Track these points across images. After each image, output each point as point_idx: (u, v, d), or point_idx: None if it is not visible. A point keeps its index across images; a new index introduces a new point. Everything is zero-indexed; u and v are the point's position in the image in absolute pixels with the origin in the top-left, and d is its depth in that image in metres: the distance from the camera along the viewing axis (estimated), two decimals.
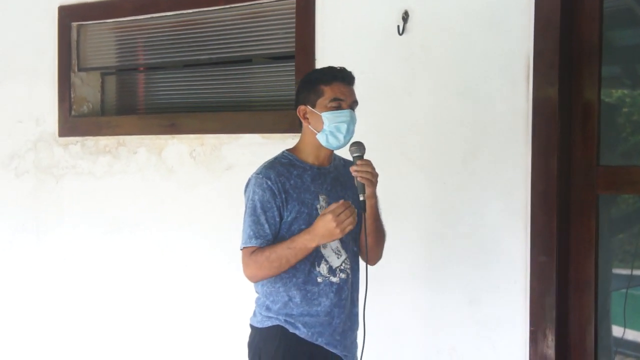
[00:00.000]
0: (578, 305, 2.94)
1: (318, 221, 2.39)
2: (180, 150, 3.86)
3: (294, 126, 3.39)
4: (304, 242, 2.40)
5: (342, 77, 2.52)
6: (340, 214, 2.34)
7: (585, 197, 2.93)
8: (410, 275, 3.18)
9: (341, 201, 2.38)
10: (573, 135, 2.95)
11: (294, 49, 3.51)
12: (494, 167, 3.01)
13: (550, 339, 2.89)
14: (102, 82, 4.34)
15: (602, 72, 2.92)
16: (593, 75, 2.91)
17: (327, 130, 2.48)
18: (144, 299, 3.98)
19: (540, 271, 2.90)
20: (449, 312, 3.11)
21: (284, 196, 2.47)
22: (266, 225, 2.46)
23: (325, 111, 2.48)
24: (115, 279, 4.07)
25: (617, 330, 3.15)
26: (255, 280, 2.54)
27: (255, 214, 2.48)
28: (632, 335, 3.14)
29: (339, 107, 2.48)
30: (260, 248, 2.46)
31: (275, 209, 2.47)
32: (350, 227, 2.37)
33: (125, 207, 4.04)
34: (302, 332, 2.50)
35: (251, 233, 2.47)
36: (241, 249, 2.51)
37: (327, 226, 2.35)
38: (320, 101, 2.50)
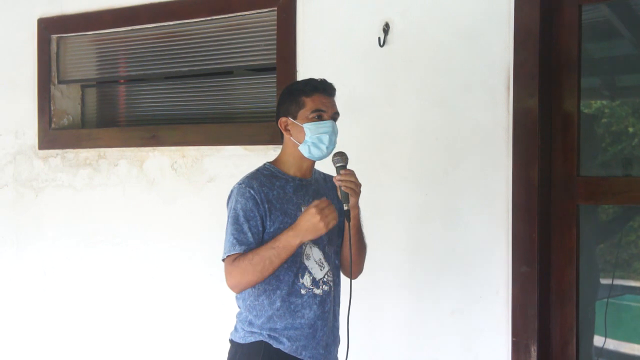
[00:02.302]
0: (560, 315, 2.96)
1: (302, 216, 2.37)
2: (161, 162, 3.85)
3: (276, 138, 3.40)
4: (288, 239, 2.37)
5: (323, 89, 2.51)
6: (324, 208, 2.34)
7: (565, 207, 2.95)
8: (392, 286, 3.18)
9: (323, 197, 2.39)
10: (553, 146, 2.97)
11: (275, 61, 3.52)
12: (475, 178, 3.02)
13: (532, 349, 2.89)
14: (83, 95, 4.32)
15: (582, 84, 2.95)
16: (572, 86, 2.94)
17: (309, 141, 2.47)
18: (125, 311, 3.95)
19: (522, 281, 2.91)
20: (431, 323, 3.11)
21: (266, 206, 2.45)
22: (249, 234, 2.43)
23: (307, 122, 2.47)
24: (96, 292, 4.04)
25: (598, 340, 3.16)
26: (238, 289, 2.48)
27: (237, 223, 2.44)
28: (613, 344, 3.15)
29: (320, 118, 2.48)
30: (242, 254, 2.41)
31: (258, 217, 2.44)
32: (333, 222, 2.36)
33: (106, 220, 4.01)
34: (286, 347, 2.48)
35: (234, 241, 2.43)
36: (223, 259, 2.46)
37: (312, 220, 2.33)
38: (302, 112, 2.49)
